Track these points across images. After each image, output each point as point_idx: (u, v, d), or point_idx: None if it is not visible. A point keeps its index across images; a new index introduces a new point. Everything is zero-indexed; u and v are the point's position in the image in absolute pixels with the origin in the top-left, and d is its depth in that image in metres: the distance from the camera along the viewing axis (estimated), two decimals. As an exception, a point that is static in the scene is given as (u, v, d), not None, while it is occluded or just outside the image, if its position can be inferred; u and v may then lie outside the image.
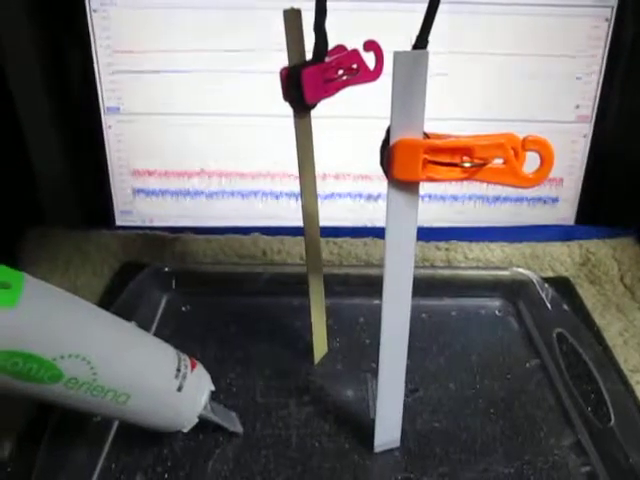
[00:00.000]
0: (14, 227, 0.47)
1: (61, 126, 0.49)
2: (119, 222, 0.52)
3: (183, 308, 0.43)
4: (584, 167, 0.51)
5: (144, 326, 0.39)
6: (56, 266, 0.46)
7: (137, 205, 0.52)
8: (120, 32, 0.46)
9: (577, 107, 0.49)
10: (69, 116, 0.49)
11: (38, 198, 0.50)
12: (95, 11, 0.46)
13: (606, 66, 0.48)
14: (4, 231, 0.45)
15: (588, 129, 0.50)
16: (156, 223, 0.52)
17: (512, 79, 0.48)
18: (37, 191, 0.50)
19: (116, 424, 0.33)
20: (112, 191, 0.51)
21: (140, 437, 0.32)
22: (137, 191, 0.51)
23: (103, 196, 0.51)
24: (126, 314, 0.36)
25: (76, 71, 0.48)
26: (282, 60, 0.29)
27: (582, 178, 0.51)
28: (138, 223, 0.52)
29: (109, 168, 0.50)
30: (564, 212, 0.52)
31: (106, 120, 0.49)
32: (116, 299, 0.40)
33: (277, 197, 0.51)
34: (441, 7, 0.22)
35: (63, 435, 0.31)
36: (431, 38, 0.23)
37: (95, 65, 0.47)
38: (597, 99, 0.49)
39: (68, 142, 0.50)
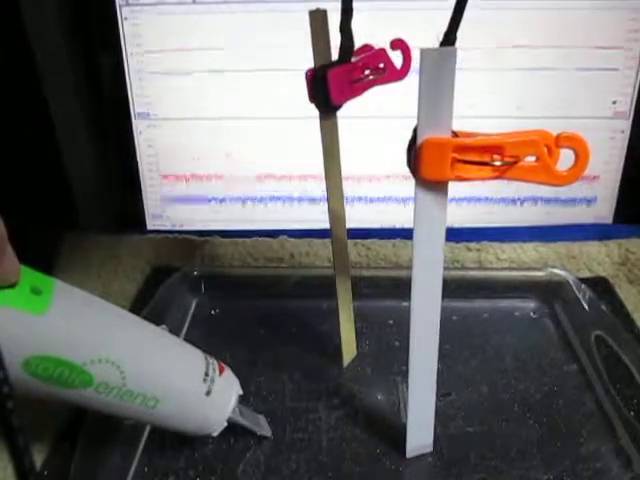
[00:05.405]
0: (49, 233, 0.48)
1: (93, 132, 0.50)
2: (150, 226, 0.53)
3: (212, 312, 0.44)
4: (622, 164, 0.49)
5: (174, 330, 0.40)
6: (90, 271, 0.46)
7: (167, 209, 0.52)
8: (150, 39, 0.47)
9: (614, 103, 0.47)
10: (101, 122, 0.50)
11: (72, 204, 0.51)
12: (126, 19, 0.46)
13: (644, 59, 0.46)
14: (39, 237, 0.46)
15: (626, 125, 0.48)
16: (186, 227, 0.52)
17: (547, 74, 0.47)
18: (71, 197, 0.51)
19: (148, 428, 0.33)
20: (143, 195, 0.52)
21: (172, 440, 0.32)
22: (167, 195, 0.52)
23: (135, 200, 0.52)
24: (157, 318, 0.37)
25: (107, 78, 0.48)
26: (310, 61, 0.29)
27: (620, 175, 0.50)
28: (168, 227, 0.53)
29: (140, 173, 0.51)
30: (601, 211, 0.51)
31: (137, 125, 0.50)
32: (148, 303, 0.41)
33: (304, 199, 0.51)
34: (471, 1, 0.22)
35: (97, 439, 0.31)
36: (461, 32, 0.22)
37: (126, 71, 0.48)
38: (635, 94, 0.47)
39: (100, 148, 0.51)
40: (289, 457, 0.32)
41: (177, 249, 0.49)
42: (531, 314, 0.43)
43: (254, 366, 0.38)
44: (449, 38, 0.23)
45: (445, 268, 0.26)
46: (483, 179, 0.23)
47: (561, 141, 0.22)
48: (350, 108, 0.30)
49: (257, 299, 0.44)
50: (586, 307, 0.40)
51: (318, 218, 0.51)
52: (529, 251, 0.47)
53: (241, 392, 0.32)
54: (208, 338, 0.41)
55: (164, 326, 0.36)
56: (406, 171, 0.25)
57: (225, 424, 0.31)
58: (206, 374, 0.29)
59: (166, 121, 0.49)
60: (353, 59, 0.29)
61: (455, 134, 0.23)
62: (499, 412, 0.34)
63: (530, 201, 0.50)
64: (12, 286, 0.23)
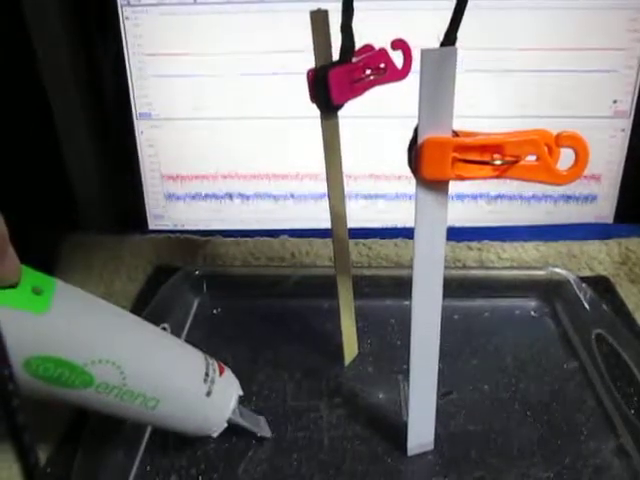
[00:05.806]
0: (50, 233, 0.48)
1: (95, 132, 0.50)
2: (152, 226, 0.53)
3: (214, 311, 0.44)
4: (623, 163, 0.49)
5: (176, 329, 0.40)
6: (91, 272, 0.47)
7: (169, 209, 0.52)
8: (151, 40, 0.47)
9: (615, 102, 0.47)
10: (102, 122, 0.50)
11: (73, 204, 0.51)
12: (127, 19, 0.46)
13: (644, 58, 0.46)
14: (40, 237, 0.46)
15: (627, 124, 0.48)
16: (187, 227, 0.53)
17: (547, 74, 0.47)
18: (72, 198, 0.51)
19: (150, 427, 0.33)
20: (145, 196, 0.52)
21: (174, 440, 0.32)
22: (169, 195, 0.52)
23: (136, 201, 0.52)
24: (159, 318, 0.37)
25: (109, 78, 0.49)
26: (310, 61, 0.29)
27: (621, 174, 0.50)
28: (170, 227, 0.53)
29: (141, 173, 0.51)
30: (602, 210, 0.51)
31: (138, 126, 0.50)
32: (149, 303, 0.41)
33: (305, 199, 0.51)
34: (472, 1, 0.22)
35: (100, 437, 0.31)
36: (462, 33, 0.22)
37: (127, 72, 0.48)
38: (636, 93, 0.47)
39: (102, 148, 0.51)
40: (290, 455, 0.32)
41: (179, 249, 0.49)
42: (532, 313, 0.43)
43: (255, 365, 0.38)
44: (449, 38, 0.23)
45: (446, 267, 0.26)
46: (484, 178, 0.23)
47: (561, 140, 0.22)
48: (351, 108, 0.30)
49: (258, 298, 0.44)
50: (587, 306, 0.40)
51: (319, 217, 0.51)
52: (530, 250, 0.47)
53: (241, 393, 0.32)
54: (210, 337, 0.41)
55: (165, 326, 0.36)
56: (407, 170, 0.25)
57: (225, 425, 0.31)
58: (206, 375, 0.29)
59: (167, 121, 0.49)
60: (354, 59, 0.29)
61: (456, 133, 0.24)
62: (500, 410, 0.34)
63: (531, 200, 0.50)
64: (13, 286, 0.23)
